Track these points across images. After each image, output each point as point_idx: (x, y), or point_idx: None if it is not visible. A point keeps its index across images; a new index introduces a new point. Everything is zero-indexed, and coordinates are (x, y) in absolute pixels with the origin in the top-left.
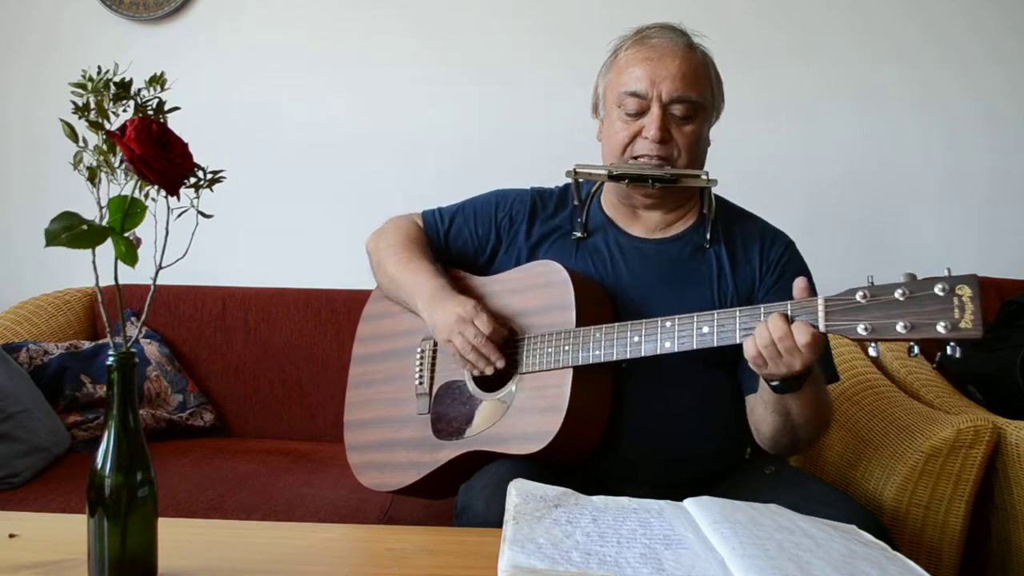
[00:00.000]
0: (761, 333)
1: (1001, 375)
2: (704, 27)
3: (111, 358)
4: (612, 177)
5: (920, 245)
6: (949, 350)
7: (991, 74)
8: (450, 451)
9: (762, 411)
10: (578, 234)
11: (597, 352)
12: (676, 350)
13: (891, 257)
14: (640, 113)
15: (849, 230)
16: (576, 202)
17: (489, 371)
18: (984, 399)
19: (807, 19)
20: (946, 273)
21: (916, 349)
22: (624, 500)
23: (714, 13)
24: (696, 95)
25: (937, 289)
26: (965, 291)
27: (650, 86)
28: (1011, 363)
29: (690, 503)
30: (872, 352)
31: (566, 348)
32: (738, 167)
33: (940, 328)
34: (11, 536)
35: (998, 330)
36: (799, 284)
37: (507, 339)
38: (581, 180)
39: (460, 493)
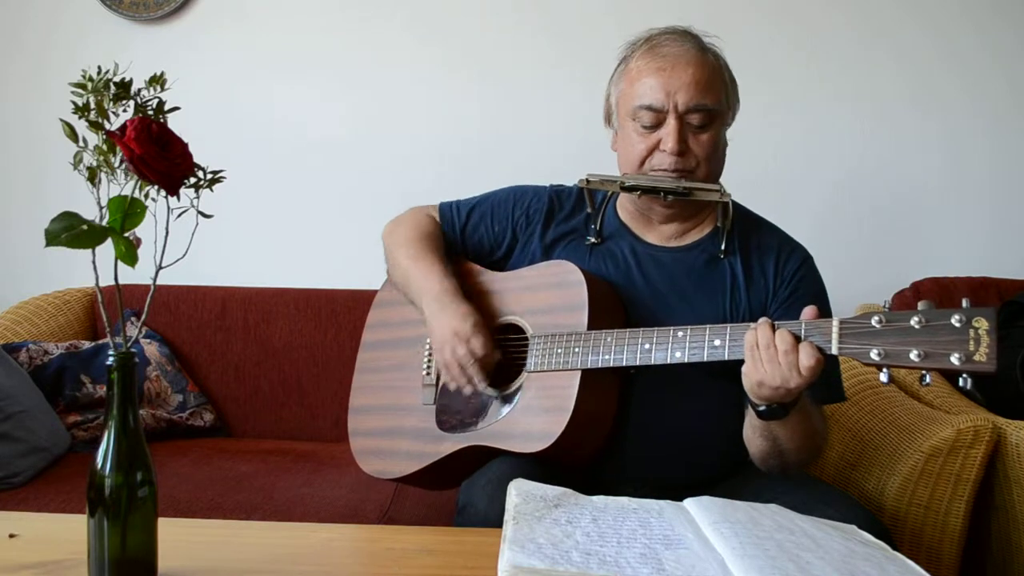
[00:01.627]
0: (764, 334)
1: (1001, 375)
2: (704, 27)
3: (111, 358)
4: (625, 188)
5: (920, 245)
6: (961, 382)
7: (991, 74)
8: (453, 444)
9: (750, 434)
10: (592, 240)
11: (607, 356)
12: (686, 360)
13: (891, 257)
14: (656, 125)
15: (849, 230)
16: (590, 210)
17: (467, 390)
18: (984, 399)
19: (807, 19)
20: (964, 304)
21: (928, 377)
22: (624, 500)
23: (714, 13)
24: (712, 102)
25: (954, 320)
26: (982, 324)
27: (665, 98)
28: (1011, 363)
29: (690, 503)
30: (883, 378)
31: (576, 350)
32: (738, 168)
33: (954, 360)
34: (11, 536)
35: (998, 330)
36: (808, 312)
37: (500, 360)
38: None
39: (461, 490)
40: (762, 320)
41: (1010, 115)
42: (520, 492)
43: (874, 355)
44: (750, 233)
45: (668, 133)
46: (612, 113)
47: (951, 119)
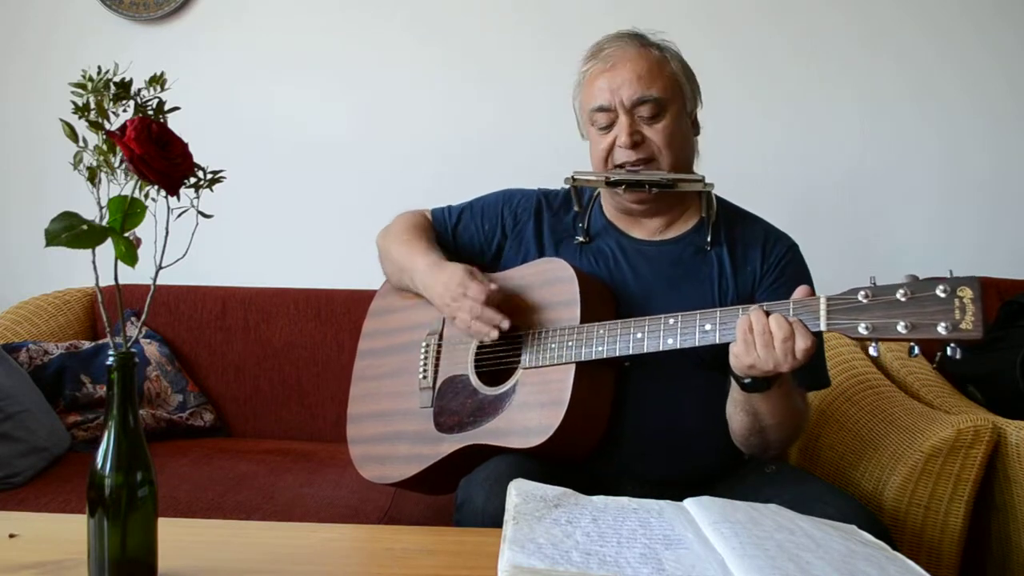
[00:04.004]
0: (758, 319)
1: (1001, 375)
2: (704, 27)
3: (111, 358)
4: (609, 183)
5: (920, 245)
6: (949, 351)
7: (991, 74)
8: (451, 444)
9: (732, 408)
10: (581, 239)
11: (600, 348)
12: (679, 346)
13: (890, 257)
14: (610, 125)
15: (848, 229)
16: (577, 208)
17: (494, 335)
18: (984, 399)
19: (807, 19)
20: (948, 274)
21: (916, 349)
22: (624, 500)
23: (714, 13)
24: (657, 91)
25: (939, 290)
26: (967, 293)
27: (611, 95)
28: (1011, 363)
29: (690, 503)
30: (872, 351)
31: (569, 344)
32: (737, 167)
33: (940, 329)
34: (11, 536)
35: (997, 330)
36: (800, 292)
37: (508, 333)
38: (580, 186)
39: (460, 487)
40: (755, 306)
41: (1010, 115)
42: (520, 492)
43: (862, 329)
44: (735, 224)
45: (619, 128)
46: (579, 122)
47: (951, 119)
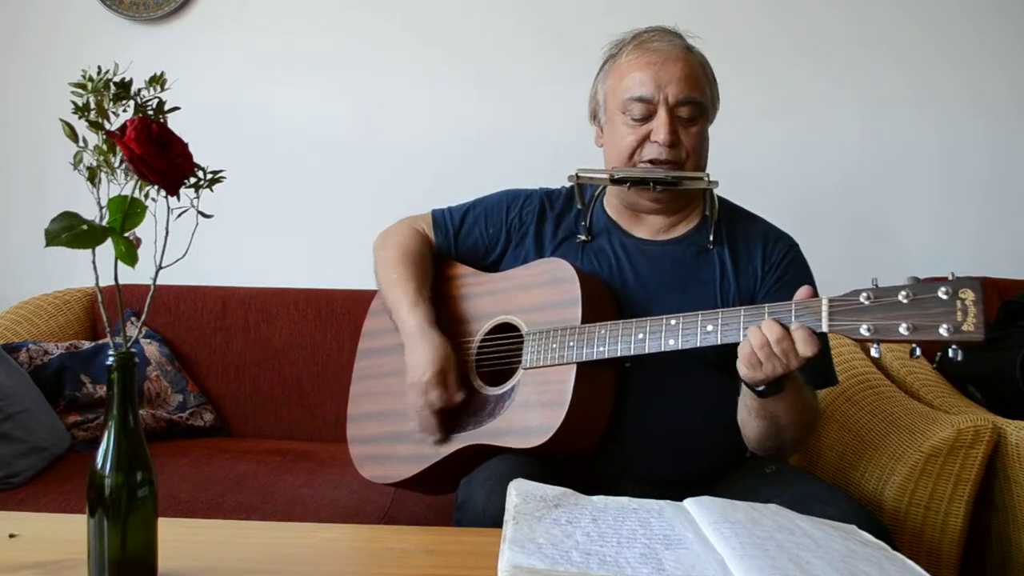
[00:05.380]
0: (756, 335)
1: (1001, 375)
2: (704, 26)
3: (111, 358)
4: (614, 181)
5: (919, 245)
6: (951, 353)
7: (991, 74)
8: (452, 444)
9: (746, 416)
10: (583, 237)
11: (601, 348)
12: (680, 347)
13: (890, 257)
14: (646, 117)
15: (848, 229)
16: (580, 206)
17: (420, 436)
18: (984, 399)
19: (807, 19)
20: (950, 276)
21: (918, 351)
22: (624, 500)
23: (714, 12)
24: (700, 96)
25: (940, 292)
26: (968, 295)
27: (656, 90)
28: (1011, 363)
29: (690, 503)
30: (874, 353)
31: (570, 344)
32: (737, 167)
33: (942, 331)
34: (11, 536)
35: (997, 330)
36: (802, 292)
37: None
38: (583, 184)
39: (461, 487)
40: (753, 320)
41: (1010, 115)
42: (520, 492)
43: (864, 331)
44: (736, 224)
45: (660, 124)
46: (599, 109)
47: (951, 119)
